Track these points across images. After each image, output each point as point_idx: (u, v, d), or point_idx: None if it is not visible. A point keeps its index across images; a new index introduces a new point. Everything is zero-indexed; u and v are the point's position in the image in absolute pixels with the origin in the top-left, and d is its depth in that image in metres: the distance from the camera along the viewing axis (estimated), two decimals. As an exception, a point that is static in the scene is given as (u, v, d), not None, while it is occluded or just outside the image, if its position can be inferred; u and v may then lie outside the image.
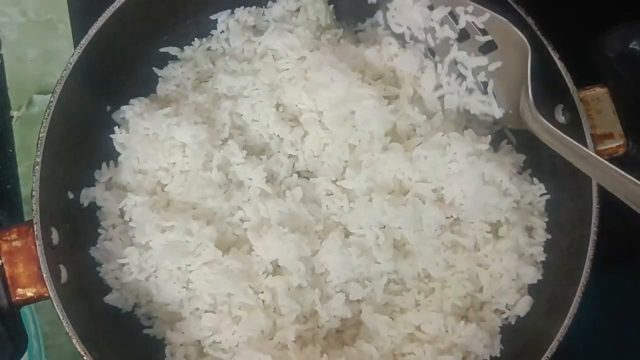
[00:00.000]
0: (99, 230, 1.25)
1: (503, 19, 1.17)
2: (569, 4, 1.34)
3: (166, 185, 1.24)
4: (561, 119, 1.21)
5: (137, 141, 1.23)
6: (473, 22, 1.20)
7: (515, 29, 1.16)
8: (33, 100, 1.45)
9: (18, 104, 1.44)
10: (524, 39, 1.15)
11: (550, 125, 1.13)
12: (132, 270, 1.21)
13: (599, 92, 1.20)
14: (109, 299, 1.23)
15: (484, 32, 1.20)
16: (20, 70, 1.46)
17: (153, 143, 1.23)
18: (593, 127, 1.18)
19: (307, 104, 1.25)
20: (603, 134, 1.19)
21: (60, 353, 1.35)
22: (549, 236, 1.26)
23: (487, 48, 1.21)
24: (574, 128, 1.18)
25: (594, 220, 1.16)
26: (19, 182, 1.42)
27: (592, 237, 1.16)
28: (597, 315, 1.20)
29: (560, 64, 1.17)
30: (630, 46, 1.20)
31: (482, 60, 1.21)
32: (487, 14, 1.18)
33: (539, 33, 1.18)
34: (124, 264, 1.22)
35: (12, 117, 1.44)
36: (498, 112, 1.22)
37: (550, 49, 1.17)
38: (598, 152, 1.17)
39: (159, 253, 1.19)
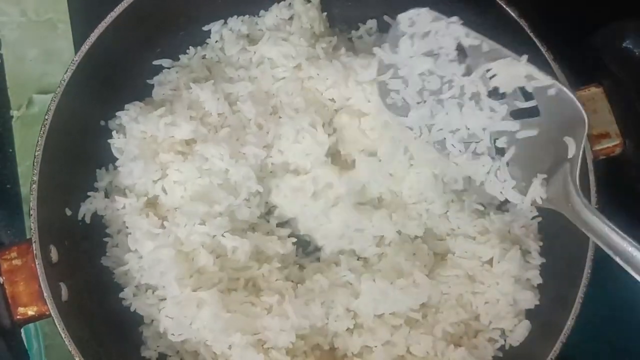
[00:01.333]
0: (105, 239, 1.27)
1: (567, 92, 1.08)
2: (562, 3, 1.34)
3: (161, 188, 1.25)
4: (558, 119, 1.21)
5: (134, 145, 1.24)
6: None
7: (577, 104, 1.07)
8: (33, 100, 1.44)
9: (18, 103, 1.44)
10: (583, 114, 1.07)
11: (601, 222, 1.01)
12: (134, 276, 1.23)
13: (594, 92, 1.20)
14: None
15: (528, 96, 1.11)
16: (20, 70, 1.46)
17: (151, 145, 1.24)
18: (589, 127, 1.16)
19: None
20: (599, 134, 1.19)
21: (60, 353, 1.31)
22: (544, 260, 1.26)
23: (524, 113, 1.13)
24: (570, 128, 1.18)
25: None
26: (19, 182, 1.42)
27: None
28: (596, 315, 1.20)
29: (554, 65, 1.17)
30: (623, 45, 1.20)
31: (513, 124, 1.12)
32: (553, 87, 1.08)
33: (532, 35, 1.17)
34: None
35: (12, 116, 1.44)
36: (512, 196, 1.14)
37: (544, 50, 1.17)
38: (595, 152, 1.17)
39: (149, 263, 1.21)
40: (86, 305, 1.19)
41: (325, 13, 1.34)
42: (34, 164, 1.12)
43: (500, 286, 1.22)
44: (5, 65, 1.47)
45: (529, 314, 1.24)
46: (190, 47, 1.34)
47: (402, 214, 1.25)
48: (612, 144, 1.19)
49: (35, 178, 1.12)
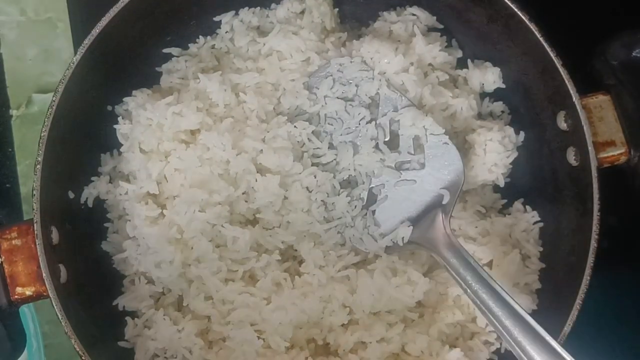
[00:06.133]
0: (106, 224, 1.27)
1: (453, 146, 1.21)
2: (573, 10, 1.35)
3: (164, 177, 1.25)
4: (563, 125, 1.21)
5: (139, 132, 1.24)
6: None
7: (459, 158, 1.20)
8: (32, 99, 1.44)
9: (17, 103, 1.44)
10: (462, 167, 1.20)
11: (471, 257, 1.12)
12: (132, 263, 1.22)
13: (601, 100, 1.19)
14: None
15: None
16: (20, 69, 1.45)
17: (156, 133, 1.24)
18: (595, 135, 1.17)
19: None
20: (605, 142, 1.18)
21: (60, 352, 1.34)
22: (543, 265, 1.26)
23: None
24: (575, 135, 1.18)
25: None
26: (19, 181, 1.42)
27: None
28: (596, 315, 1.20)
29: (562, 71, 1.17)
30: (634, 54, 1.21)
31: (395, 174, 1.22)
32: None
33: (542, 39, 1.17)
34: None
35: (12, 116, 1.44)
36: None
37: (553, 55, 1.17)
38: (600, 160, 1.17)
39: (145, 248, 1.20)
40: (85, 289, 1.19)
41: (337, 9, 1.34)
42: (39, 144, 1.12)
43: (499, 289, 1.22)
44: (4, 65, 1.46)
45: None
46: (200, 36, 1.34)
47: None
48: (618, 152, 1.18)
49: (40, 158, 1.11)
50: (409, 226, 1.19)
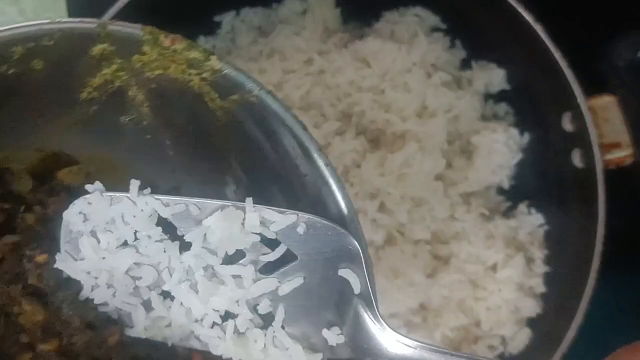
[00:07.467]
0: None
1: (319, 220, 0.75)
2: (579, 11, 1.34)
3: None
4: (568, 127, 1.20)
5: None
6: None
7: (340, 230, 0.75)
8: None
9: None
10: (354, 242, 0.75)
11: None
12: None
13: (607, 101, 1.18)
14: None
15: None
16: None
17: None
18: (600, 136, 1.16)
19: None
20: (610, 144, 1.17)
21: None
22: (548, 268, 1.25)
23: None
24: (581, 137, 1.18)
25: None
26: None
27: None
28: (602, 319, 1.19)
29: (568, 72, 1.16)
30: (638, 55, 1.20)
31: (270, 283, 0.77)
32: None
33: (547, 40, 1.16)
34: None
35: None
36: None
37: (558, 56, 1.16)
38: (605, 162, 1.16)
39: None
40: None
41: (339, 9, 1.33)
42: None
43: (503, 293, 1.21)
44: (4, 65, 1.45)
45: (530, 322, 1.23)
46: (200, 36, 1.33)
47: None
48: (623, 154, 1.17)
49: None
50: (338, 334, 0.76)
